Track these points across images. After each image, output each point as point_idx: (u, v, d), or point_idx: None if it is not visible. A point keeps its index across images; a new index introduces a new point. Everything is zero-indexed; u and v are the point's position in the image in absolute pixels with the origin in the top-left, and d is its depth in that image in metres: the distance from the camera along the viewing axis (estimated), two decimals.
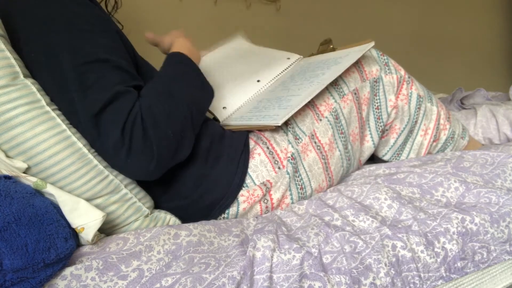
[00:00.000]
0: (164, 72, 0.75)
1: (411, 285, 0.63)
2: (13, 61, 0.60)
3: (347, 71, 0.89)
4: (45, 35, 0.63)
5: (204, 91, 0.78)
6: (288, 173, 0.79)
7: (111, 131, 0.61)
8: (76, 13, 0.65)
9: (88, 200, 0.63)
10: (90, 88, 0.61)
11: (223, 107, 0.95)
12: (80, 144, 0.62)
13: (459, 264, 0.67)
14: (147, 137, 0.62)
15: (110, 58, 0.64)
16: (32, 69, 0.64)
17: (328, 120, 0.85)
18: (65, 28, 0.63)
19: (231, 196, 0.76)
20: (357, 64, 0.91)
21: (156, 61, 0.86)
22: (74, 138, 0.62)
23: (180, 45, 0.84)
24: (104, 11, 0.75)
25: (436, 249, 0.66)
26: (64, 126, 0.61)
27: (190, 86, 0.74)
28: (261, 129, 0.82)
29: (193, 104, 0.71)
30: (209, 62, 1.11)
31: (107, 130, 0.61)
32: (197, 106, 0.73)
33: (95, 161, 0.63)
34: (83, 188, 0.62)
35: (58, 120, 0.61)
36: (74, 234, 0.58)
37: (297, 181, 0.81)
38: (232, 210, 0.77)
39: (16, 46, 0.64)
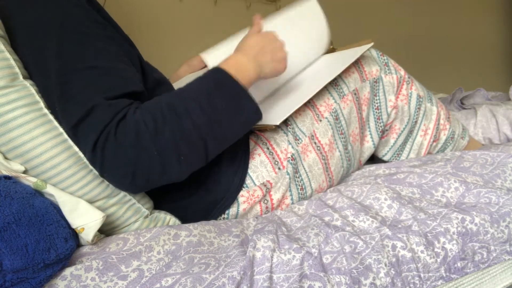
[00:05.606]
0: (186, 86, 0.66)
1: (411, 285, 0.63)
2: (12, 62, 0.60)
3: (347, 71, 0.89)
4: (36, 36, 0.62)
5: (237, 116, 0.66)
6: (288, 174, 0.79)
7: (85, 146, 0.59)
8: (70, 14, 0.63)
9: None
10: (70, 100, 0.59)
11: None
12: (76, 148, 0.61)
13: (459, 264, 0.67)
14: (121, 153, 0.57)
15: (100, 64, 0.61)
16: (28, 70, 0.63)
17: (328, 121, 0.85)
18: (56, 30, 0.61)
19: (231, 197, 0.76)
20: (357, 64, 0.91)
21: (159, 65, 0.86)
22: (70, 142, 0.61)
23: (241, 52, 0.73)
24: (106, 15, 0.72)
25: (436, 249, 0.66)
26: (61, 130, 0.61)
27: (212, 105, 0.63)
28: (261, 129, 0.82)
29: (210, 126, 0.63)
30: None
31: (82, 144, 0.60)
32: (217, 131, 0.64)
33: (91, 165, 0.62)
34: (80, 192, 0.61)
35: (55, 123, 0.61)
36: (74, 235, 0.58)
37: (297, 181, 0.81)
38: (232, 210, 0.77)
39: (14, 46, 0.64)
